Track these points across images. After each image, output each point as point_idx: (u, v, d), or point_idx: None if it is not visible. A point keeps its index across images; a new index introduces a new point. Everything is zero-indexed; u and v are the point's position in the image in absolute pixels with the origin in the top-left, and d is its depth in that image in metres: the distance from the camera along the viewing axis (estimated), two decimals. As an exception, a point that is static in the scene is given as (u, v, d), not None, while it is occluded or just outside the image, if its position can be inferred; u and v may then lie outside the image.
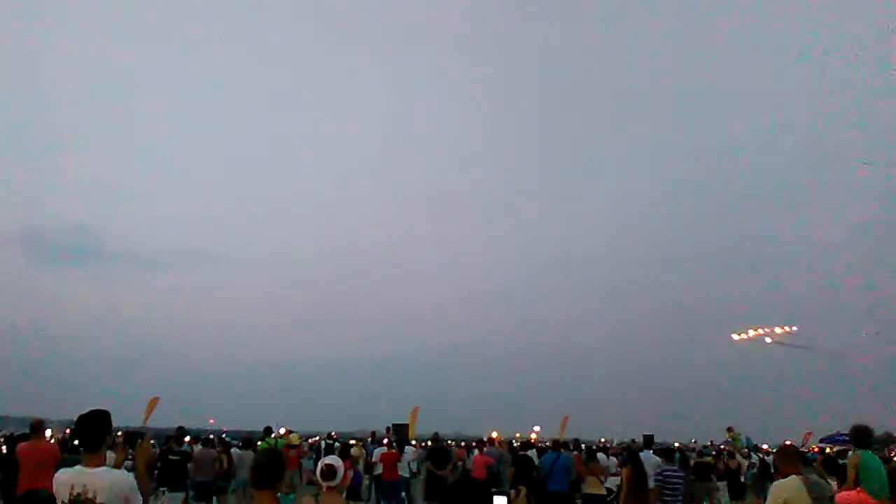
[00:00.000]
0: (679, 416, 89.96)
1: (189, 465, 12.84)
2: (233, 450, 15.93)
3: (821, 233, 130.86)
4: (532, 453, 16.70)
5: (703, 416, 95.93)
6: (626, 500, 10.07)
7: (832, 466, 9.03)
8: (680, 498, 10.20)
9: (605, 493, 12.57)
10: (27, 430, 11.27)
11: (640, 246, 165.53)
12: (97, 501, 3.66)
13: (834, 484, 7.75)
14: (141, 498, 3.87)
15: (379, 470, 15.67)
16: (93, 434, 3.87)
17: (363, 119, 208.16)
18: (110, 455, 4.09)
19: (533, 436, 38.74)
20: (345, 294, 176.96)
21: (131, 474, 3.88)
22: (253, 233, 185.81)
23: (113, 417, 4.02)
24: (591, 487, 12.40)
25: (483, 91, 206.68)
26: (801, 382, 72.20)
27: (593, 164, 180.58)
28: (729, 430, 30.74)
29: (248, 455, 14.21)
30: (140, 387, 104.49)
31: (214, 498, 13.22)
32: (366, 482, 17.26)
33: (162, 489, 11.97)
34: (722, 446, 33.34)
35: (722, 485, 16.82)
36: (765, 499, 5.78)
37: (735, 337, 47.60)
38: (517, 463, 14.61)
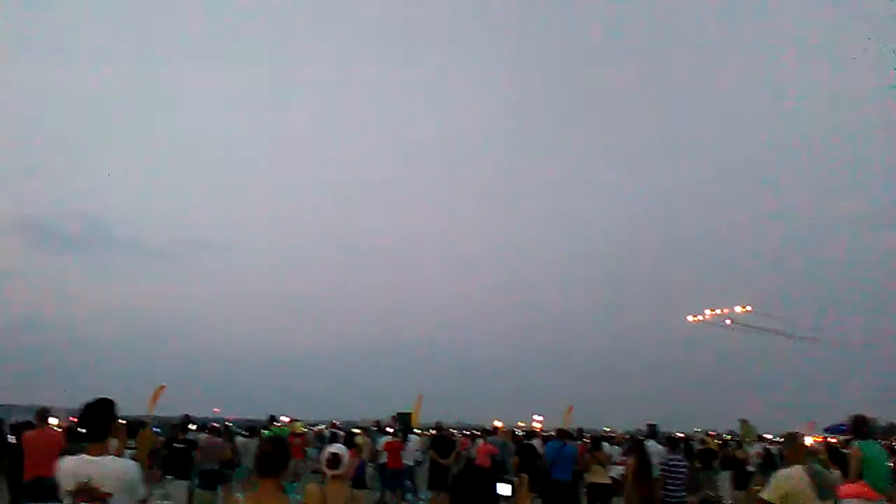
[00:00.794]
0: (682, 406, 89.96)
1: (194, 453, 12.89)
2: (238, 438, 15.98)
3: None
4: (536, 442, 16.74)
5: (705, 407, 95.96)
6: (630, 489, 10.08)
7: (836, 456, 9.01)
8: (684, 487, 10.22)
9: (609, 482, 12.57)
10: (32, 419, 11.33)
11: (643, 238, 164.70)
12: (103, 490, 3.63)
13: (837, 474, 7.72)
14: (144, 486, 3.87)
15: (383, 458, 15.71)
16: (98, 422, 3.86)
17: (366, 111, 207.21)
18: (111, 443, 4.09)
19: (537, 425, 38.81)
20: (350, 284, 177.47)
21: (136, 463, 3.86)
22: (259, 223, 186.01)
23: (118, 406, 4.01)
24: (596, 476, 12.40)
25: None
26: (803, 371, 72.02)
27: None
28: (743, 422, 30.98)
29: (253, 443, 14.25)
30: (145, 375, 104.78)
31: (219, 486, 13.26)
32: (370, 471, 17.32)
33: (168, 477, 12.02)
34: (727, 436, 33.42)
35: (727, 474, 16.86)
36: None
37: (690, 319, 47.01)
38: (521, 452, 14.64)
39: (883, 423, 45.42)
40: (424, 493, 16.25)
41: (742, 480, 16.11)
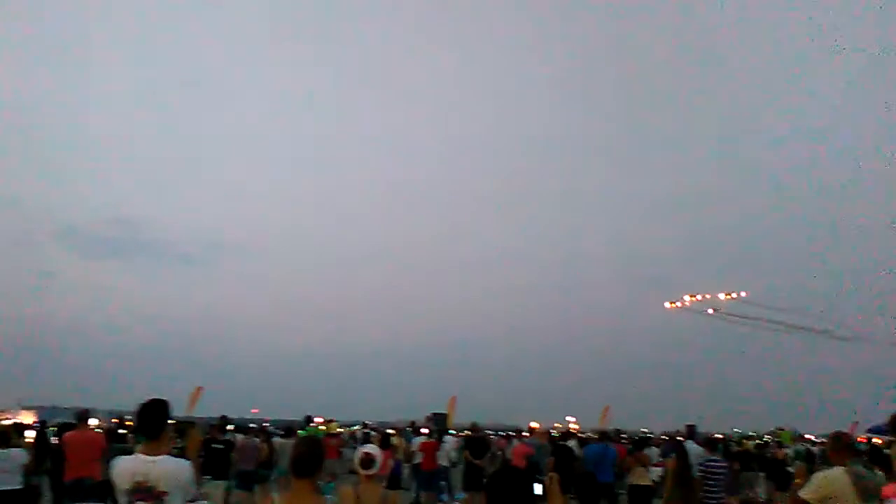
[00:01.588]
0: (722, 407, 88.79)
1: (232, 453, 13.03)
2: (274, 439, 16.13)
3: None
4: (572, 444, 16.61)
5: (747, 408, 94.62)
6: (671, 491, 9.93)
7: (878, 457, 8.78)
8: (723, 488, 10.07)
9: (650, 483, 12.41)
10: (74, 420, 11.56)
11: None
12: (159, 489, 3.68)
13: (882, 476, 7.52)
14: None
15: (418, 459, 15.73)
16: (154, 422, 3.90)
17: (411, 114, 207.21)
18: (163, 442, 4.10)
19: (573, 426, 38.57)
20: (386, 285, 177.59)
21: (189, 463, 3.90)
22: (294, 225, 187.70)
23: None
24: (638, 478, 12.25)
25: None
26: (846, 369, 70.57)
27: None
28: (780, 430, 30.66)
29: (290, 444, 14.36)
30: (184, 376, 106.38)
31: (256, 486, 13.39)
32: (406, 471, 17.36)
33: (206, 477, 12.17)
34: (767, 437, 32.98)
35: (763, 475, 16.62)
36: None
37: (668, 305, 43.72)
38: (557, 453, 14.54)
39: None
40: (459, 494, 16.22)
41: (782, 481, 15.83)
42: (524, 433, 25.31)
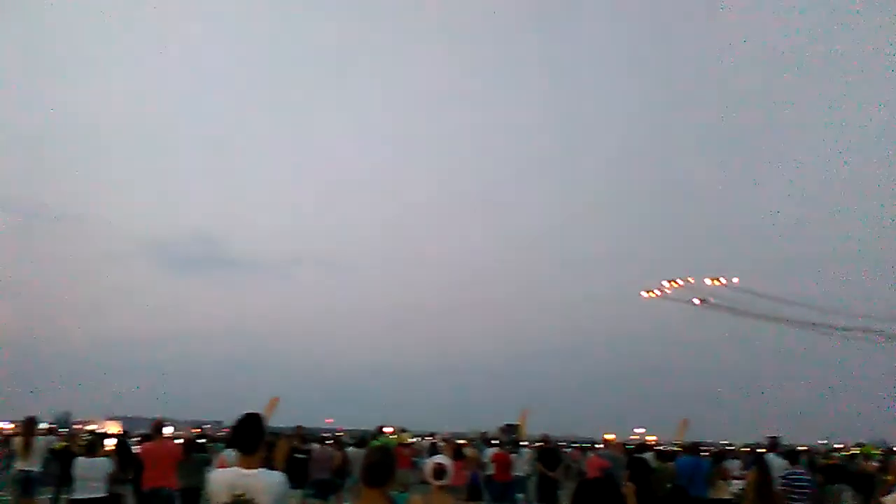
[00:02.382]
0: (805, 417, 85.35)
1: (309, 463, 13.28)
2: (347, 448, 16.33)
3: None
4: (648, 456, 16.26)
5: (830, 418, 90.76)
6: (751, 504, 9.62)
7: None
8: (807, 502, 9.71)
9: (731, 497, 12.05)
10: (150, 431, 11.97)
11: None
12: (257, 502, 3.67)
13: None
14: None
15: (490, 470, 15.66)
16: (251, 437, 3.90)
17: (499, 129, 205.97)
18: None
19: (650, 438, 37.66)
20: (456, 298, 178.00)
21: (283, 475, 3.86)
22: (372, 238, 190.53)
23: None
24: (719, 492, 11.92)
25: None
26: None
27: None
28: (861, 445, 29.54)
29: (362, 453, 14.53)
30: (261, 387, 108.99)
31: (331, 495, 13.60)
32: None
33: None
34: (854, 448, 31.79)
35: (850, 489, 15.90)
36: None
37: (644, 294, 40.67)
38: (632, 465, 14.25)
39: None
40: (533, 506, 16.08)
41: (870, 495, 15.14)
42: (597, 445, 24.90)
